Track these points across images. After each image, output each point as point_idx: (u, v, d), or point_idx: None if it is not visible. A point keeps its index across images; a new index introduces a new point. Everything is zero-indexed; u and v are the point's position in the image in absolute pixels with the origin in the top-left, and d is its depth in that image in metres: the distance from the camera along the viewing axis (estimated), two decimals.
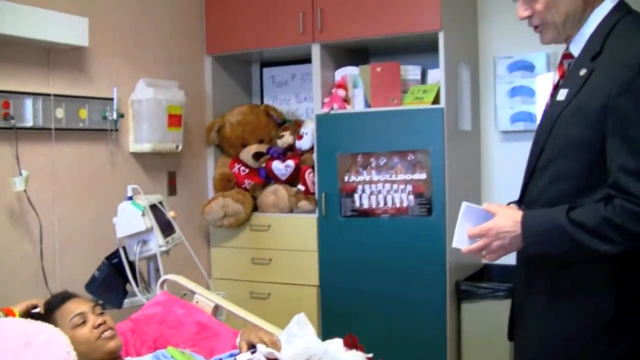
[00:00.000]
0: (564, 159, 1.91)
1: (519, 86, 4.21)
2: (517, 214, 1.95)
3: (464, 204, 2.04)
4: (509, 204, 2.17)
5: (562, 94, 1.96)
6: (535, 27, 2.06)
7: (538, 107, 4.11)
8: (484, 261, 2.76)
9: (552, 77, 2.10)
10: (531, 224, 1.90)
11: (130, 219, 2.90)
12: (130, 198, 2.94)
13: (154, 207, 3.08)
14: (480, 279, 3.98)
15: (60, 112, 3.38)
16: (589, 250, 1.81)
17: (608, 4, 1.97)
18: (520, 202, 2.10)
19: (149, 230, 2.92)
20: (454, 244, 2.04)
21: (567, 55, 2.05)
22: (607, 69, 1.84)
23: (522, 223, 1.91)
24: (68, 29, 3.34)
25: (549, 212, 1.89)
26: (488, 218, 1.99)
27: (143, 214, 2.88)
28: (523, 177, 2.08)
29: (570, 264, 1.91)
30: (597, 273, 1.88)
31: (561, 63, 2.07)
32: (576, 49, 2.00)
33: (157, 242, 2.95)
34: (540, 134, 2.03)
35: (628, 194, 1.75)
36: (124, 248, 3.06)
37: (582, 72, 1.91)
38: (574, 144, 1.89)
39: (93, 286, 3.05)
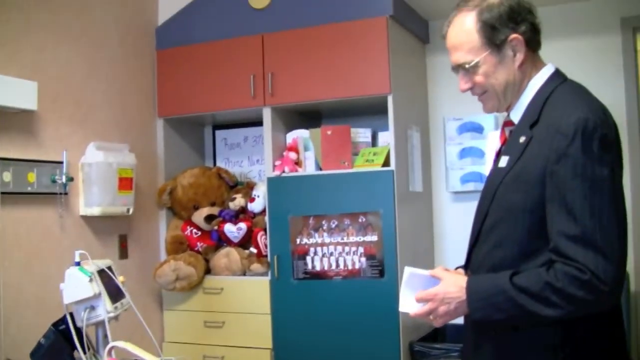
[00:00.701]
0: (506, 224, 1.95)
1: (468, 147, 4.28)
2: (462, 280, 1.98)
3: (407, 270, 2.07)
4: (456, 268, 2.21)
5: (503, 161, 2.01)
6: (478, 97, 2.11)
7: (488, 168, 4.17)
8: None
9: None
10: (476, 290, 1.92)
11: (77, 285, 2.83)
12: (78, 263, 2.88)
13: (102, 272, 3.03)
14: (435, 339, 3.97)
15: (7, 176, 3.34)
16: (533, 314, 1.82)
17: (545, 73, 2.04)
18: (467, 267, 2.13)
19: (97, 296, 2.86)
20: (401, 308, 2.06)
21: (507, 123, 2.11)
22: (544, 137, 1.88)
23: (467, 288, 1.94)
24: (16, 93, 3.33)
25: (493, 278, 1.91)
26: (433, 283, 2.02)
27: (90, 280, 2.82)
28: (468, 242, 2.12)
29: (516, 328, 1.92)
30: (542, 337, 1.89)
31: (503, 130, 2.13)
32: (516, 116, 2.06)
33: (105, 308, 2.89)
34: (484, 200, 2.07)
35: (568, 258, 1.79)
36: (71, 314, 2.99)
37: (522, 139, 1.96)
38: (515, 210, 1.92)
39: (39, 354, 2.97)
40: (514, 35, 1.99)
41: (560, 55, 3.92)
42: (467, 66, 2.02)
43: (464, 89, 2.09)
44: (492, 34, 1.99)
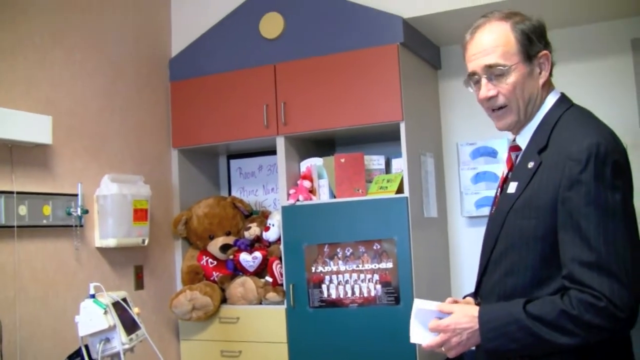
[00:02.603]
0: (517, 251, 1.94)
1: (482, 172, 4.28)
2: (473, 309, 1.96)
3: (416, 303, 2.06)
4: (465, 297, 2.19)
5: (512, 187, 2.00)
6: (493, 110, 2.05)
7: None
8: None
9: None
10: (488, 319, 1.91)
11: (92, 318, 2.85)
12: (93, 296, 2.89)
13: (117, 304, 3.04)
14: None
15: (23, 210, 3.37)
16: (548, 343, 1.81)
17: (551, 99, 2.04)
18: (476, 295, 2.12)
19: (112, 328, 2.87)
20: (412, 340, 2.05)
21: (513, 148, 2.10)
22: (554, 163, 1.88)
23: (480, 318, 1.92)
24: (31, 128, 3.36)
25: (506, 306, 1.90)
26: (443, 315, 2.00)
27: (105, 312, 2.84)
28: (478, 270, 2.10)
29: (530, 358, 1.90)
30: None
31: (509, 155, 2.11)
32: (523, 141, 2.05)
33: (120, 340, 2.90)
34: (492, 227, 2.06)
35: (583, 285, 1.78)
36: (86, 346, 3.00)
37: (530, 165, 1.95)
38: (527, 236, 1.91)
39: None
40: (545, 52, 2.00)
41: (572, 76, 3.98)
42: (500, 69, 1.98)
43: (487, 96, 2.02)
44: (529, 45, 1.98)
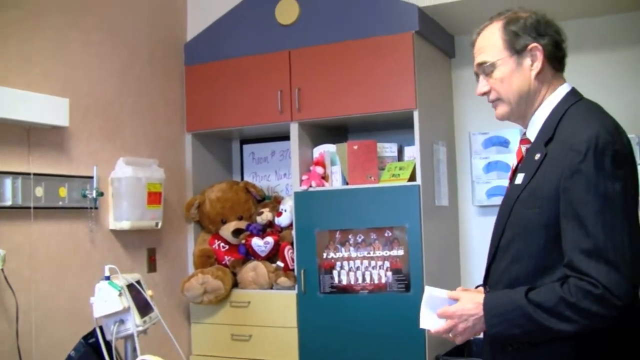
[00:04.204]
0: (522, 240, 1.99)
1: (494, 161, 4.29)
2: (479, 297, 2.02)
3: (427, 290, 2.12)
4: (477, 287, 2.25)
5: (519, 178, 2.06)
6: (492, 102, 2.19)
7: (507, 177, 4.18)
8: None
9: None
10: (492, 306, 1.97)
11: (107, 299, 2.88)
12: (108, 278, 2.93)
13: (131, 286, 3.07)
14: (461, 354, 3.96)
15: (39, 191, 3.40)
16: (547, 329, 1.86)
17: (562, 91, 2.10)
18: (485, 284, 2.17)
19: (126, 310, 2.90)
20: (421, 325, 2.11)
21: (524, 141, 2.17)
22: (557, 154, 1.93)
23: (484, 305, 1.98)
24: (48, 110, 3.40)
25: (510, 294, 1.95)
26: (451, 303, 2.07)
27: (120, 294, 2.87)
28: (487, 258, 2.15)
29: (534, 344, 1.95)
30: (560, 352, 1.91)
31: (519, 148, 2.18)
32: (532, 134, 2.12)
33: (134, 322, 2.93)
34: (501, 217, 2.12)
35: (581, 273, 1.82)
36: (100, 328, 3.04)
37: (537, 156, 2.01)
38: (531, 225, 1.97)
39: None
40: (534, 44, 2.07)
41: (586, 68, 3.97)
42: (486, 66, 2.12)
43: (480, 92, 2.19)
44: (514, 39, 2.08)
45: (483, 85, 2.16)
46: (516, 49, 2.08)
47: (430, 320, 2.10)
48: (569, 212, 1.87)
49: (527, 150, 2.12)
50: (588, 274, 1.81)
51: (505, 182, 4.11)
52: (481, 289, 2.20)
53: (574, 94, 2.10)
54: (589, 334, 1.86)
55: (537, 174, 1.98)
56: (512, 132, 4.21)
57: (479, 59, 2.16)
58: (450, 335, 2.06)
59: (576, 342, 1.88)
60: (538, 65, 2.07)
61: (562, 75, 2.15)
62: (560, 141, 1.95)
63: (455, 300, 2.07)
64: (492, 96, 2.16)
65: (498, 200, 4.17)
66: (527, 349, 1.97)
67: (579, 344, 1.88)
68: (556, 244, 1.91)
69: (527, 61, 2.08)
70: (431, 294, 2.11)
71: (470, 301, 2.02)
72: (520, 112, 2.14)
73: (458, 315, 2.02)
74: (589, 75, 3.95)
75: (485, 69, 2.13)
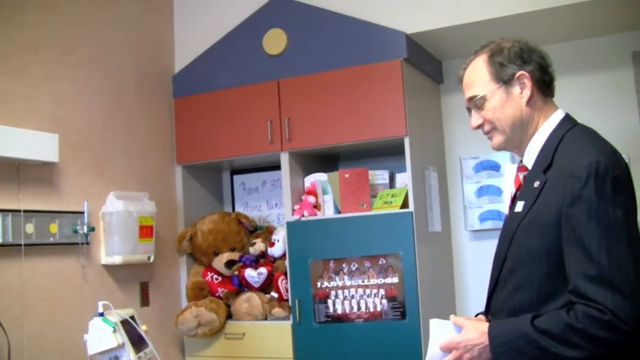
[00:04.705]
0: (524, 268, 1.99)
1: (486, 185, 4.30)
2: (483, 325, 2.00)
3: (432, 322, 2.11)
4: (477, 315, 2.24)
5: (519, 206, 2.06)
6: (487, 134, 2.20)
7: (506, 205, 4.18)
8: None
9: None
10: (497, 334, 1.95)
11: (102, 336, 2.86)
12: (102, 314, 2.91)
13: (125, 322, 3.05)
14: None
15: (30, 228, 3.38)
16: (555, 356, 1.85)
17: (556, 117, 2.12)
18: (487, 312, 2.16)
19: (121, 346, 2.89)
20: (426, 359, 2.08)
21: (521, 168, 2.18)
22: (557, 180, 1.94)
23: (489, 334, 1.96)
24: (38, 146, 3.38)
25: (515, 321, 1.94)
26: (458, 331, 2.05)
27: (114, 331, 2.85)
28: (488, 287, 2.14)
29: None
30: None
31: (517, 175, 2.19)
32: (529, 162, 2.13)
33: (129, 358, 2.91)
34: (502, 245, 2.12)
35: (588, 299, 1.82)
36: None
37: (536, 184, 2.02)
38: (533, 253, 1.97)
39: None
40: (520, 72, 2.09)
41: (573, 90, 4.00)
42: (476, 100, 2.14)
43: (474, 126, 2.21)
44: (500, 70, 2.11)
45: (476, 118, 2.18)
46: (503, 79, 2.11)
47: (435, 354, 2.07)
48: (571, 239, 1.87)
49: (525, 177, 2.13)
50: (595, 300, 1.80)
51: (498, 206, 4.17)
52: (482, 317, 2.19)
53: (568, 119, 2.12)
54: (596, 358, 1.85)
55: (537, 201, 1.99)
56: (503, 156, 4.22)
57: (468, 93, 2.18)
58: None
59: None
60: (527, 92, 2.10)
61: (553, 101, 2.16)
62: (560, 168, 1.96)
63: (460, 327, 2.05)
64: (487, 127, 2.17)
65: (491, 224, 4.22)
66: None
67: None
68: (558, 271, 1.91)
69: (517, 89, 2.10)
70: (436, 325, 2.10)
71: (474, 330, 2.01)
72: (516, 140, 2.15)
73: (463, 345, 2.00)
74: (575, 97, 3.97)
75: (477, 103, 2.15)
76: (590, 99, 4.09)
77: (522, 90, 2.10)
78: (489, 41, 2.20)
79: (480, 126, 2.19)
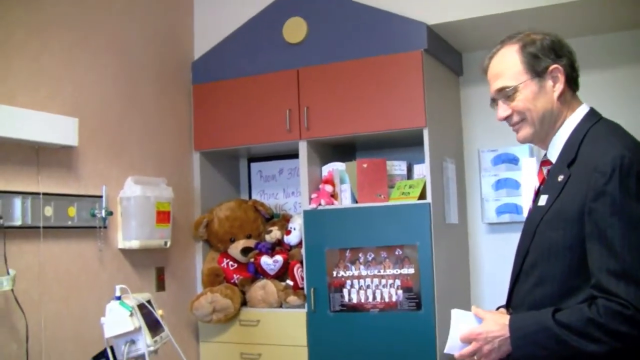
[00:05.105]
0: (546, 262, 1.98)
1: (504, 179, 4.29)
2: (504, 318, 2.00)
3: (454, 311, 2.10)
4: (498, 308, 2.24)
5: (542, 200, 2.05)
6: (514, 125, 2.16)
7: (524, 199, 4.17)
8: None
9: (536, 164, 2.21)
10: (518, 327, 1.95)
11: (118, 319, 2.86)
12: (119, 298, 2.91)
13: (142, 306, 3.06)
14: None
15: (49, 211, 3.39)
16: (576, 350, 1.84)
17: (580, 112, 2.10)
18: (508, 306, 2.15)
19: (137, 330, 2.89)
20: (446, 350, 2.10)
21: (545, 162, 2.16)
22: (582, 175, 1.93)
23: (510, 326, 1.96)
24: (58, 130, 3.40)
25: (536, 315, 1.93)
26: (478, 322, 2.05)
27: (131, 314, 2.86)
28: (509, 281, 2.14)
29: None
30: None
31: (540, 169, 2.17)
32: (553, 156, 2.12)
33: (145, 342, 2.92)
34: (524, 239, 2.10)
35: (610, 294, 1.81)
36: (111, 348, 3.02)
37: (560, 178, 2.00)
38: (555, 247, 1.96)
39: None
40: (555, 65, 2.07)
41: (596, 84, 3.96)
42: (507, 90, 2.10)
43: (502, 117, 2.16)
44: (534, 62, 2.08)
45: (504, 109, 2.14)
46: (537, 72, 2.08)
47: (455, 345, 2.07)
48: (594, 234, 1.86)
49: (549, 171, 2.12)
50: (617, 295, 1.80)
51: (515, 200, 4.16)
52: (503, 310, 2.19)
53: (593, 114, 2.11)
54: (618, 355, 1.84)
55: (561, 195, 1.98)
56: (521, 150, 4.21)
57: (497, 84, 2.14)
58: (475, 358, 2.04)
59: None
60: (560, 86, 2.08)
61: (577, 95, 2.15)
62: (584, 163, 1.95)
63: (481, 318, 2.05)
64: (516, 118, 2.13)
65: (508, 218, 4.21)
66: None
67: None
68: (580, 265, 1.90)
69: (549, 83, 2.08)
70: (458, 315, 2.10)
71: (495, 323, 2.00)
72: (543, 134, 2.13)
73: (483, 337, 2.00)
74: (594, 93, 3.94)
75: (507, 93, 2.11)
76: (614, 94, 4.06)
77: (555, 84, 2.08)
78: (515, 32, 2.17)
79: (507, 117, 2.15)
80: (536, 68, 2.08)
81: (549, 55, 2.08)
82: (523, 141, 2.17)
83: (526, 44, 2.10)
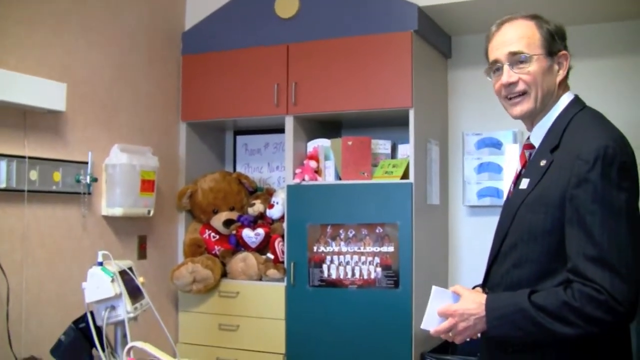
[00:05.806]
0: (526, 244, 2.01)
1: (486, 162, 4.32)
2: (481, 297, 2.04)
3: (434, 288, 2.14)
4: (474, 287, 2.27)
5: (524, 183, 2.08)
6: (511, 98, 2.15)
7: (505, 183, 4.21)
8: None
9: (519, 150, 2.23)
10: (495, 307, 1.99)
11: (100, 285, 2.89)
12: (101, 264, 2.94)
13: (123, 273, 3.09)
14: (446, 351, 3.99)
15: (34, 175, 3.41)
16: (550, 332, 1.88)
17: (565, 99, 2.14)
18: (484, 286, 2.19)
19: (118, 296, 2.92)
20: (423, 325, 2.13)
21: (527, 146, 2.19)
22: (565, 162, 1.96)
23: (486, 306, 2.00)
24: (46, 94, 3.40)
25: (512, 296, 1.98)
26: (455, 300, 2.08)
27: (112, 280, 2.88)
28: (487, 261, 2.17)
29: (533, 346, 1.98)
30: (557, 357, 1.95)
31: (523, 152, 2.20)
32: (536, 140, 2.14)
33: (125, 309, 2.95)
34: (504, 221, 2.14)
35: (586, 279, 1.85)
36: (91, 313, 3.05)
37: (543, 162, 2.03)
38: (535, 230, 1.99)
39: (58, 351, 3.02)
40: (564, 52, 2.12)
41: (588, 74, 3.98)
42: (522, 56, 2.09)
43: (508, 82, 2.11)
44: (551, 41, 2.10)
45: (511, 74, 2.11)
46: (551, 51, 2.10)
47: (432, 320, 2.11)
48: (574, 219, 1.90)
49: (532, 155, 2.15)
50: (593, 280, 1.84)
51: (497, 184, 4.20)
52: (479, 289, 2.23)
53: (577, 101, 2.14)
54: (589, 339, 1.89)
55: (543, 180, 2.01)
56: (505, 134, 4.24)
57: (513, 47, 2.10)
58: (450, 334, 2.08)
59: (575, 345, 1.92)
60: (563, 73, 2.12)
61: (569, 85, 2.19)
62: (567, 149, 1.98)
63: (458, 295, 2.09)
64: (520, 87, 2.11)
65: (488, 201, 4.25)
66: (526, 353, 2.00)
67: (577, 350, 1.93)
68: (559, 249, 1.94)
69: (556, 66, 2.11)
70: (437, 292, 2.13)
71: (472, 301, 2.04)
72: (537, 112, 2.14)
73: (459, 313, 2.04)
74: (591, 82, 3.96)
75: (520, 58, 2.09)
76: (604, 83, 4.07)
77: (560, 70, 2.12)
78: (527, 13, 2.17)
79: (511, 85, 2.12)
80: (552, 48, 2.10)
81: (561, 39, 2.12)
82: (519, 115, 2.15)
83: (542, 22, 2.12)
